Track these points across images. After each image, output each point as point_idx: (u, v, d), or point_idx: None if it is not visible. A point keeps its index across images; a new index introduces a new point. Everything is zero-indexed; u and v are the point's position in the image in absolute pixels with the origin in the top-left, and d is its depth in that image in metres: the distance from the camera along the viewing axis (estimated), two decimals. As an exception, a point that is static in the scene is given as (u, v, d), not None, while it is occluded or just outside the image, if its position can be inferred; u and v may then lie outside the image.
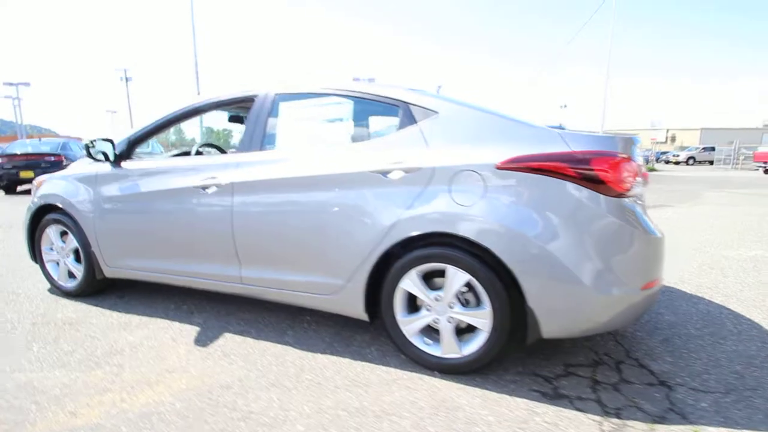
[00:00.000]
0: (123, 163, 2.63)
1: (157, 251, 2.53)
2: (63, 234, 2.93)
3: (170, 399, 1.75)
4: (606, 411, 1.67)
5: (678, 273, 3.41)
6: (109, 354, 2.13)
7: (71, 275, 2.95)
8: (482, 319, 1.80)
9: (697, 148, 33.00)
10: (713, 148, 29.00)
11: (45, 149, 10.77)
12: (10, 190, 10.56)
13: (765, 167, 17.51)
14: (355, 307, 2.05)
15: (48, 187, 2.91)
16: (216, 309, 2.70)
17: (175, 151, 3.10)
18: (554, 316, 1.70)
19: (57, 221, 2.86)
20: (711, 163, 28.57)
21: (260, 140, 2.24)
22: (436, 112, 1.91)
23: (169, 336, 2.34)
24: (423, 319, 1.92)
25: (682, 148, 37.00)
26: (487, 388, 1.81)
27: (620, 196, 1.66)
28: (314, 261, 2.08)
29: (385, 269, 1.96)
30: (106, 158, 2.58)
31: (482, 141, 1.81)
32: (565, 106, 44.53)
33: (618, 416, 1.64)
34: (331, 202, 2.00)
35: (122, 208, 2.57)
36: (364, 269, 1.96)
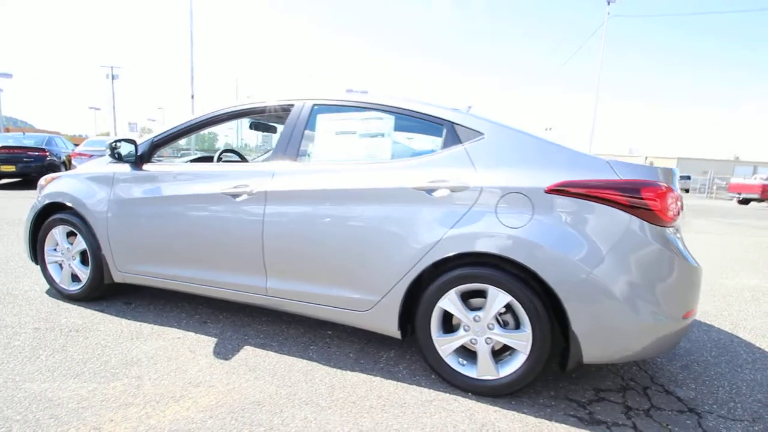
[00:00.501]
0: (144, 166, 2.55)
1: (175, 257, 2.44)
2: (69, 235, 2.80)
3: (200, 415, 1.67)
4: (644, 438, 1.68)
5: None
6: (125, 364, 2.03)
7: (75, 278, 2.81)
8: (522, 341, 1.80)
9: (673, 176, 34.18)
10: (689, 177, 30.25)
11: (29, 143, 10.37)
12: (-12, 183, 10.10)
13: (739, 198, 18.34)
14: (388, 324, 2.02)
15: (58, 185, 2.78)
16: (230, 320, 2.62)
17: (192, 156, 3.02)
18: (597, 341, 1.71)
19: (65, 221, 2.74)
20: (687, 191, 29.76)
21: (296, 150, 2.21)
22: (482, 134, 1.92)
23: (186, 347, 2.24)
24: (460, 339, 1.90)
25: (659, 176, 38.19)
26: (523, 412, 1.80)
27: (665, 225, 1.70)
28: (348, 275, 2.05)
29: (422, 287, 1.94)
30: (128, 159, 2.50)
31: (528, 165, 1.83)
32: (551, 128, 45.73)
33: (656, 444, 1.65)
34: (371, 216, 1.98)
35: (141, 212, 2.48)
36: (401, 286, 1.94)
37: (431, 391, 1.92)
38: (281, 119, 3.07)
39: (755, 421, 1.82)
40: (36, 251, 2.89)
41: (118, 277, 2.65)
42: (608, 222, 1.69)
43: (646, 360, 2.33)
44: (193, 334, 2.41)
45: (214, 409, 1.71)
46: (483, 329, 1.86)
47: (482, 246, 1.78)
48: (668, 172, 1.79)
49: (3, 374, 1.90)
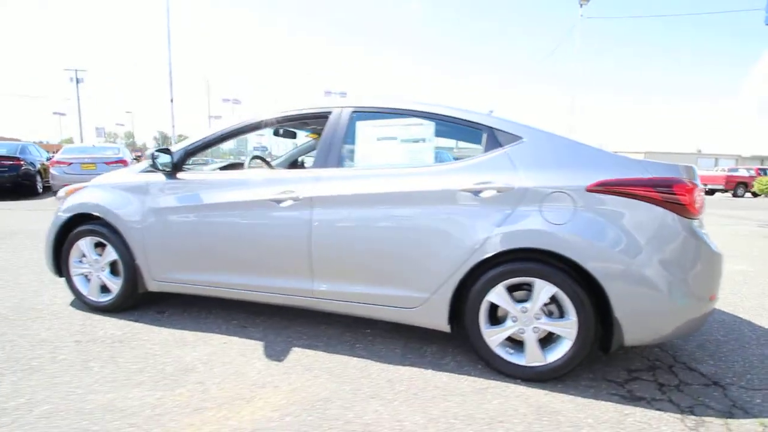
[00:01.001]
0: (179, 174, 2.56)
1: (216, 264, 2.47)
2: (96, 246, 2.77)
3: (276, 414, 1.73)
4: (681, 410, 1.85)
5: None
6: (182, 372, 2.06)
7: (104, 290, 2.79)
8: (568, 329, 1.95)
9: (641, 169, 35.74)
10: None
11: (1, 152, 9.90)
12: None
13: (705, 188, 19.42)
14: (438, 320, 2.13)
15: (84, 196, 2.75)
16: (269, 323, 2.66)
17: (220, 163, 3.05)
18: (637, 325, 1.88)
19: (92, 232, 2.71)
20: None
21: (338, 156, 2.29)
22: (520, 138, 2.07)
23: (236, 351, 2.28)
24: (508, 330, 2.03)
25: (628, 170, 39.84)
26: (571, 394, 1.95)
27: (693, 217, 1.88)
28: (397, 275, 2.15)
29: (470, 282, 2.07)
30: (164, 168, 2.51)
31: (566, 165, 1.98)
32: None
33: (693, 413, 1.83)
34: (420, 218, 2.09)
35: (179, 220, 2.50)
36: (451, 283, 2.06)
37: (483, 379, 2.05)
38: (317, 126, 3.15)
39: (771, 389, 2.04)
40: (59, 264, 2.84)
41: (153, 286, 2.65)
42: (644, 216, 1.86)
43: (665, 342, 2.54)
44: (237, 338, 2.45)
45: (287, 407, 1.78)
46: (530, 319, 2.00)
47: (530, 242, 1.92)
48: (690, 170, 1.98)
49: (61, 387, 1.90)
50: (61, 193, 2.98)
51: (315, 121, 2.47)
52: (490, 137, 2.11)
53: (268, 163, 3.17)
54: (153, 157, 2.46)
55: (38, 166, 10.64)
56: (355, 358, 2.23)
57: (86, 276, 2.82)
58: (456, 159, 2.16)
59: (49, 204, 8.92)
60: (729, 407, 1.88)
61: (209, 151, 2.82)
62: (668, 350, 2.43)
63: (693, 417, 1.80)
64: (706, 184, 19.11)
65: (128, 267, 2.65)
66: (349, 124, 2.33)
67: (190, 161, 2.68)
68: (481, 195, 2.01)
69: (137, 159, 12.64)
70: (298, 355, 2.26)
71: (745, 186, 19.17)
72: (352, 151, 2.33)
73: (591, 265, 1.86)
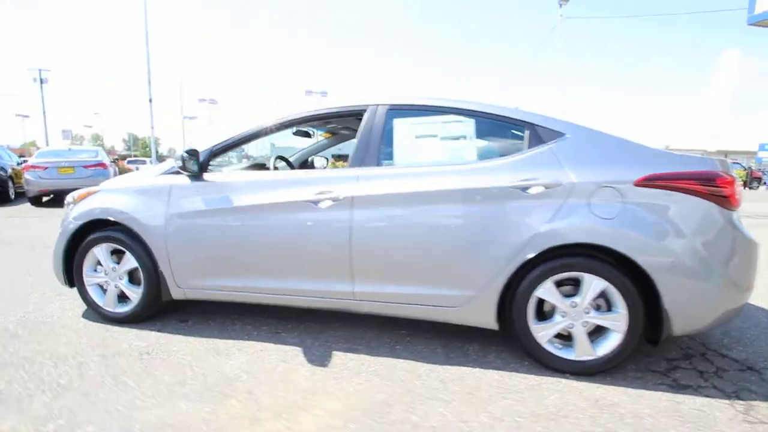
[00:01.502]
0: (206, 176, 2.46)
1: (248, 268, 2.38)
2: (113, 253, 2.63)
3: (337, 421, 1.68)
4: (727, 395, 1.91)
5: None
6: (226, 381, 1.97)
7: (122, 299, 2.64)
8: (617, 321, 1.97)
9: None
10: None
11: (-31, 157, 9.30)
12: None
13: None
14: (485, 317, 2.13)
15: (99, 200, 2.60)
16: (302, 328, 2.59)
17: (239, 164, 2.94)
18: (684, 315, 1.92)
19: (109, 239, 2.57)
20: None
21: (376, 154, 2.25)
22: (563, 134, 2.08)
23: (277, 358, 2.21)
24: (558, 325, 2.04)
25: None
26: (621, 386, 1.97)
27: (733, 209, 1.94)
28: (443, 274, 2.13)
29: (517, 279, 2.07)
30: (191, 170, 2.39)
31: (611, 160, 2.01)
32: None
33: (739, 398, 1.89)
34: (466, 215, 2.08)
35: (207, 223, 2.39)
36: (499, 280, 2.05)
37: (533, 376, 2.05)
38: (350, 124, 3.09)
39: (801, 371, 2.13)
40: (70, 274, 2.68)
41: (177, 293, 2.53)
42: (690, 208, 1.90)
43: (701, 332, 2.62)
44: (273, 345, 2.36)
45: (347, 413, 1.73)
46: (580, 314, 2.01)
47: (581, 237, 1.94)
48: (725, 163, 2.05)
49: (100, 405, 1.79)
50: (69, 199, 2.81)
51: (347, 119, 2.41)
52: (533, 134, 2.12)
53: (290, 163, 3.09)
54: (184, 159, 2.34)
55: (9, 171, 10.05)
56: (400, 360, 2.20)
57: (101, 286, 2.67)
58: (500, 156, 2.15)
59: (25, 211, 8.45)
60: (770, 390, 1.95)
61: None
62: (697, 339, 2.50)
63: (740, 401, 1.86)
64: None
65: (150, 274, 2.52)
66: (385, 121, 2.29)
67: (215, 161, 2.58)
68: (529, 191, 2.01)
69: (114, 162, 12.13)
70: (341, 359, 2.21)
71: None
72: (390, 150, 2.29)
73: (641, 259, 1.89)
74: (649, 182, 1.92)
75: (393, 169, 2.24)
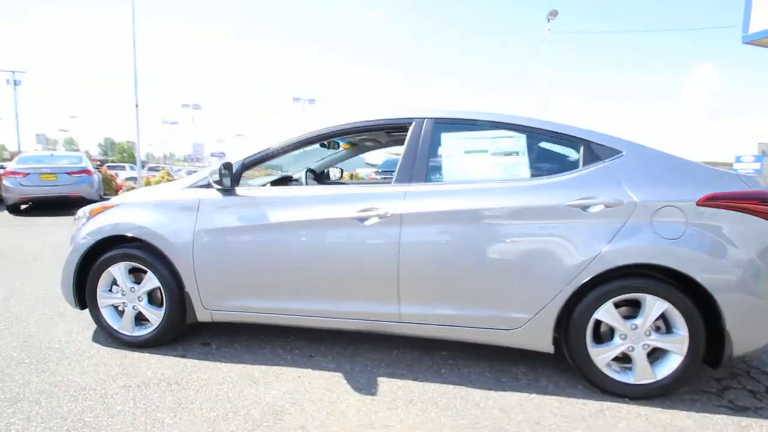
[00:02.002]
0: (237, 190, 2.31)
1: (284, 289, 2.24)
2: (130, 272, 2.43)
3: (407, 460, 1.55)
4: (787, 417, 1.89)
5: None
6: (273, 415, 1.82)
7: (140, 322, 2.45)
8: (678, 343, 1.93)
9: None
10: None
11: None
12: None
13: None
14: (541, 341, 2.05)
15: (118, 215, 2.41)
16: (335, 350, 2.45)
17: (268, 177, 2.79)
18: (744, 336, 1.89)
19: (128, 257, 2.38)
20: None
21: (425, 170, 2.15)
22: (620, 152, 2.04)
23: (319, 386, 2.06)
24: (618, 348, 1.98)
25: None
26: (683, 410, 1.92)
27: (790, 229, 1.93)
28: (495, 295, 2.04)
29: (575, 300, 2.00)
30: (225, 184, 2.24)
31: (670, 179, 1.98)
32: None
33: (800, 419, 1.86)
34: (523, 234, 2.00)
35: (240, 240, 2.24)
36: (557, 301, 1.98)
37: (592, 401, 1.98)
38: (393, 136, 2.98)
39: None
40: (83, 295, 2.47)
41: (203, 315, 2.36)
42: (751, 228, 1.88)
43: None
44: (311, 371, 2.22)
45: (415, 450, 1.61)
46: (640, 336, 1.96)
47: (645, 257, 1.89)
48: None
49: (137, 446, 1.61)
50: (80, 213, 2.60)
51: (389, 131, 2.32)
52: (588, 151, 2.07)
53: (317, 177, 2.96)
54: (221, 173, 2.18)
55: (-17, 177, 9.48)
56: (450, 386, 2.09)
57: (117, 307, 2.46)
58: (555, 173, 2.08)
59: (4, 219, 7.95)
60: (826, 411, 1.93)
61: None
62: (737, 357, 2.49)
63: (803, 424, 1.83)
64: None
65: (173, 295, 2.34)
66: (433, 135, 2.20)
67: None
68: (589, 210, 1.95)
69: (97, 168, 11.61)
70: (388, 386, 2.08)
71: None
72: (438, 165, 2.20)
73: (705, 279, 1.85)
74: (711, 202, 1.89)
75: (443, 185, 2.15)
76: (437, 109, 2.27)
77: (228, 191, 2.30)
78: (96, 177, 9.41)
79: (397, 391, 2.04)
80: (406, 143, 2.22)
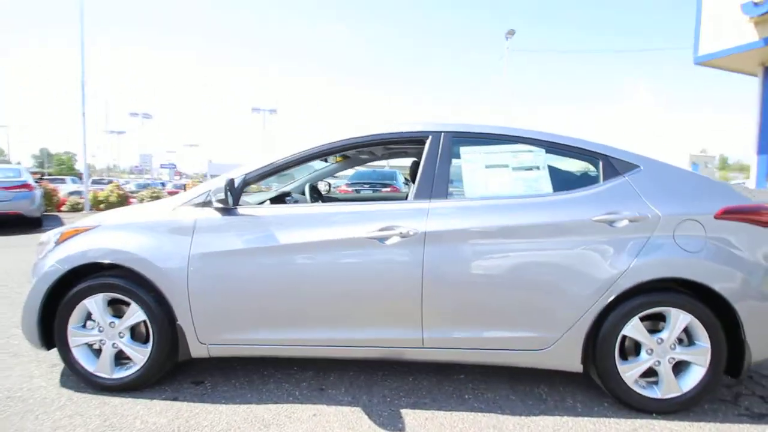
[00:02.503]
0: (239, 209, 2.08)
1: (297, 317, 2.03)
2: (110, 304, 2.12)
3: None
4: (803, 423, 1.95)
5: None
6: (295, 464, 1.61)
7: (120, 361, 2.13)
8: (701, 355, 1.94)
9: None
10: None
11: None
12: None
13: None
14: (569, 360, 1.99)
15: (96, 239, 2.10)
16: (345, 380, 2.26)
17: (265, 194, 2.57)
18: (761, 345, 1.94)
19: (108, 287, 2.07)
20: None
21: (445, 186, 2.06)
22: (638, 166, 2.06)
23: (339, 425, 1.87)
24: (645, 363, 1.96)
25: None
26: (709, 421, 1.93)
27: (795, 239, 2.03)
28: (524, 315, 1.97)
29: (602, 317, 1.96)
30: (224, 203, 2.01)
31: (687, 193, 2.01)
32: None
33: (816, 425, 1.93)
34: (548, 251, 1.95)
35: (244, 265, 2.01)
36: (586, 320, 1.93)
37: (623, 419, 1.94)
38: (390, 149, 2.84)
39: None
40: (50, 332, 2.11)
41: (199, 351, 2.09)
42: (764, 239, 1.95)
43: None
44: (326, 407, 2.02)
45: (464, 493, 1.47)
46: (666, 350, 1.95)
47: (671, 271, 1.90)
48: None
49: None
50: (45, 238, 2.25)
51: (403, 145, 2.21)
52: (607, 165, 2.07)
53: (319, 193, 2.78)
54: (227, 191, 1.95)
55: None
56: (479, 414, 1.97)
57: (92, 346, 2.13)
58: (575, 188, 2.06)
59: None
60: (835, 414, 2.02)
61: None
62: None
63: (820, 429, 1.90)
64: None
65: (163, 329, 2.06)
66: (452, 150, 2.12)
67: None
68: (616, 225, 1.94)
69: (38, 182, 10.52)
70: (414, 418, 1.93)
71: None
72: (459, 180, 2.11)
73: (724, 290, 1.88)
74: (728, 215, 1.94)
75: (466, 201, 2.06)
76: (453, 123, 2.19)
77: (229, 210, 2.07)
78: (37, 192, 8.50)
79: (425, 424, 1.89)
80: (423, 158, 2.12)
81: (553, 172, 2.13)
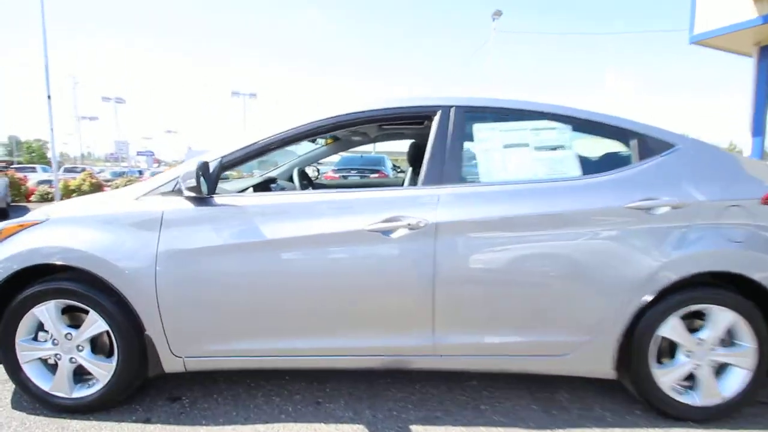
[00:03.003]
0: (216, 198, 1.77)
1: (289, 323, 1.75)
2: (65, 312, 1.80)
3: None
4: None
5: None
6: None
7: (81, 378, 1.82)
8: (746, 357, 1.74)
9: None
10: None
11: None
12: None
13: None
14: (601, 365, 1.76)
15: (44, 236, 1.75)
16: (344, 391, 1.99)
17: (248, 180, 2.25)
18: (809, 344, 1.75)
19: (62, 292, 1.74)
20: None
21: (458, 169, 1.78)
22: (675, 146, 1.81)
23: (343, 448, 1.61)
24: (684, 366, 1.75)
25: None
26: (751, 428, 1.75)
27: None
28: (550, 317, 1.73)
29: (637, 316, 1.74)
30: (199, 191, 1.69)
31: (728, 176, 1.78)
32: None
33: None
34: (578, 243, 1.70)
35: (224, 264, 1.71)
36: (620, 320, 1.71)
37: (661, 429, 1.73)
38: (384, 130, 2.53)
39: None
40: (-6, 347, 1.78)
41: (173, 365, 1.79)
42: (815, 227, 1.74)
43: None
44: (325, 425, 1.75)
45: None
46: (706, 352, 1.74)
47: (715, 264, 1.67)
48: None
49: None
50: (-11, 233, 1.89)
51: (405, 122, 1.92)
52: (641, 145, 1.82)
53: (309, 180, 2.46)
54: (199, 177, 1.63)
55: None
56: (500, 429, 1.74)
57: (47, 361, 1.81)
58: (606, 170, 1.80)
59: None
60: None
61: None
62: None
63: None
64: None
65: (129, 341, 1.75)
66: (463, 127, 1.83)
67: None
68: (653, 212, 1.70)
69: (3, 171, 9.83)
70: (427, 436, 1.69)
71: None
72: (473, 162, 1.84)
73: (773, 284, 1.68)
74: (776, 199, 1.72)
75: (482, 186, 1.79)
76: (464, 97, 1.90)
77: (203, 200, 1.75)
78: (1, 182, 7.91)
79: (440, 443, 1.65)
80: (432, 137, 1.83)
81: (589, 153, 1.87)
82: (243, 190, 2.24)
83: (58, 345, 1.78)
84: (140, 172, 25.33)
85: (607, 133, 1.88)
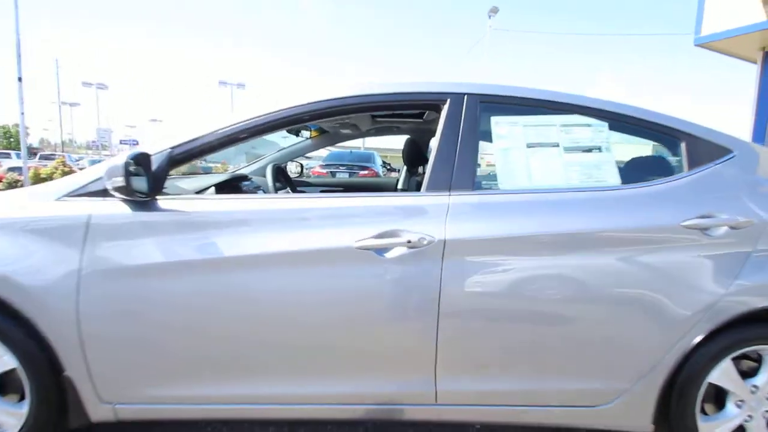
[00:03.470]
0: (160, 201, 1.37)
1: (251, 363, 1.38)
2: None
3: None
4: None
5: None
6: None
7: (-19, 428, 1.42)
8: (806, 409, 1.44)
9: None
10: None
11: None
12: None
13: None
14: (638, 418, 1.44)
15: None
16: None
17: (217, 178, 1.85)
18: None
19: (-49, 320, 1.33)
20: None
21: (471, 172, 1.42)
22: (731, 152, 1.49)
23: None
24: (735, 419, 1.43)
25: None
26: (812, 497, 1.45)
27: None
28: (582, 359, 1.39)
29: (684, 358, 1.42)
30: (137, 192, 1.30)
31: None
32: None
33: None
34: (618, 269, 1.36)
35: (168, 286, 1.32)
36: (665, 364, 1.38)
37: (706, 498, 1.42)
38: (378, 123, 2.15)
39: None
40: None
41: (101, 413, 1.40)
42: None
43: None
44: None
45: None
46: (761, 401, 1.44)
47: (783, 298, 1.36)
48: None
49: None
50: None
51: (406, 111, 1.55)
52: (693, 149, 1.49)
53: (289, 180, 2.07)
54: (129, 173, 1.23)
55: None
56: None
57: (-67, 406, 1.40)
58: (651, 179, 1.47)
59: None
60: None
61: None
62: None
63: None
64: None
65: (44, 383, 1.35)
66: (479, 120, 1.48)
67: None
68: (709, 233, 1.37)
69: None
70: None
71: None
72: (490, 164, 1.48)
73: None
74: None
75: (501, 195, 1.43)
76: (480, 84, 1.54)
77: (142, 204, 1.36)
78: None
79: None
80: (440, 131, 1.46)
81: (630, 156, 1.54)
82: (203, 190, 1.84)
83: (-50, 386, 1.37)
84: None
85: (651, 134, 1.55)
